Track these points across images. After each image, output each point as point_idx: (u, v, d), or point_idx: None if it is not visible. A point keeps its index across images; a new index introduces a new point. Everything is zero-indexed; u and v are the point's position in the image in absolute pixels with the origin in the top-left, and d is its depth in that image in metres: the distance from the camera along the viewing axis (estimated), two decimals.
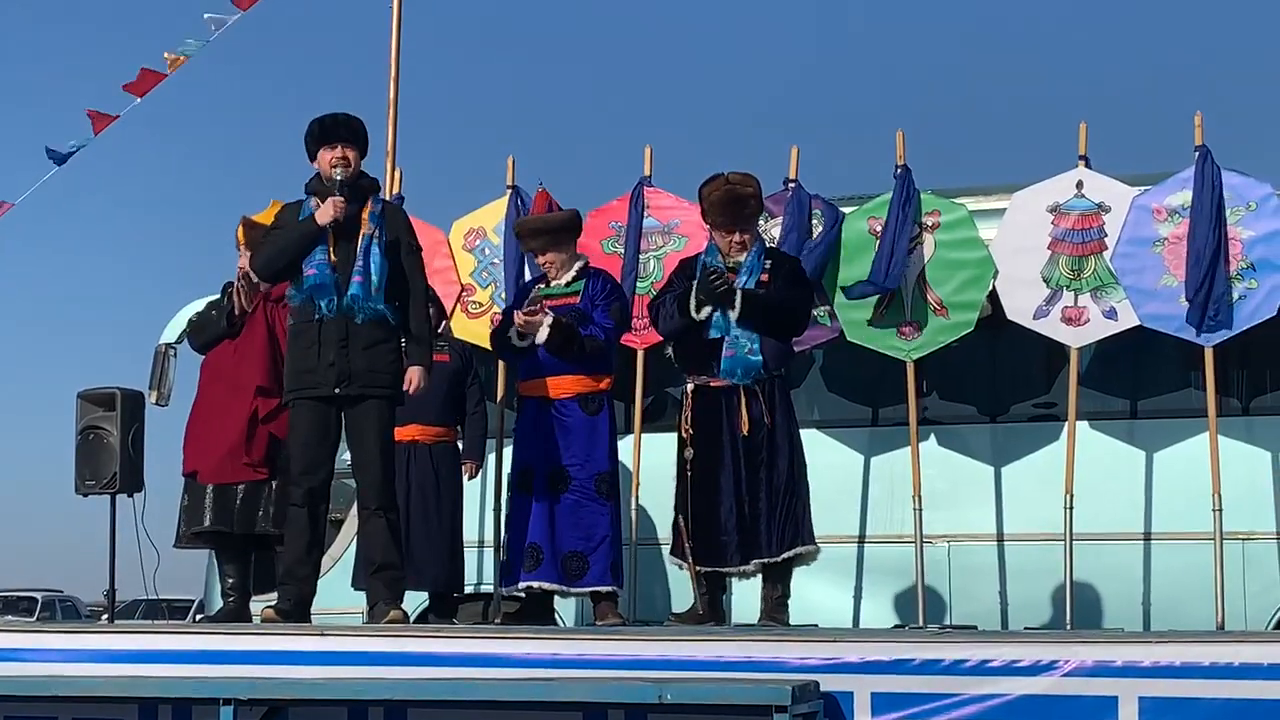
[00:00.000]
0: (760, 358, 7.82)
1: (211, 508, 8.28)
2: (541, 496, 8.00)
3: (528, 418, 8.15)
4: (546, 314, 7.96)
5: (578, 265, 8.24)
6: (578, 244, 8.43)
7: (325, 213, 7.50)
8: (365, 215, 7.55)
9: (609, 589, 8.01)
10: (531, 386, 8.13)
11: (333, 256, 7.50)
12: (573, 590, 8.08)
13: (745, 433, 7.79)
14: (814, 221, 9.27)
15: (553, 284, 8.20)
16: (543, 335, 7.96)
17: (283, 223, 7.70)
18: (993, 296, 9.05)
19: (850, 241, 9.21)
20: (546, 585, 8.01)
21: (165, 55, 11.08)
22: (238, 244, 8.45)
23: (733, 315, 7.79)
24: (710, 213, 8.06)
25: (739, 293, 7.79)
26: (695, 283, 7.88)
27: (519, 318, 8.00)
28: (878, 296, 9.06)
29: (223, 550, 8.59)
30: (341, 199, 7.50)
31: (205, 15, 11.14)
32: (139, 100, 10.98)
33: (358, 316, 7.48)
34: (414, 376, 7.60)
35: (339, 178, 7.55)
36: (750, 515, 7.80)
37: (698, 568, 7.87)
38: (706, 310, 7.85)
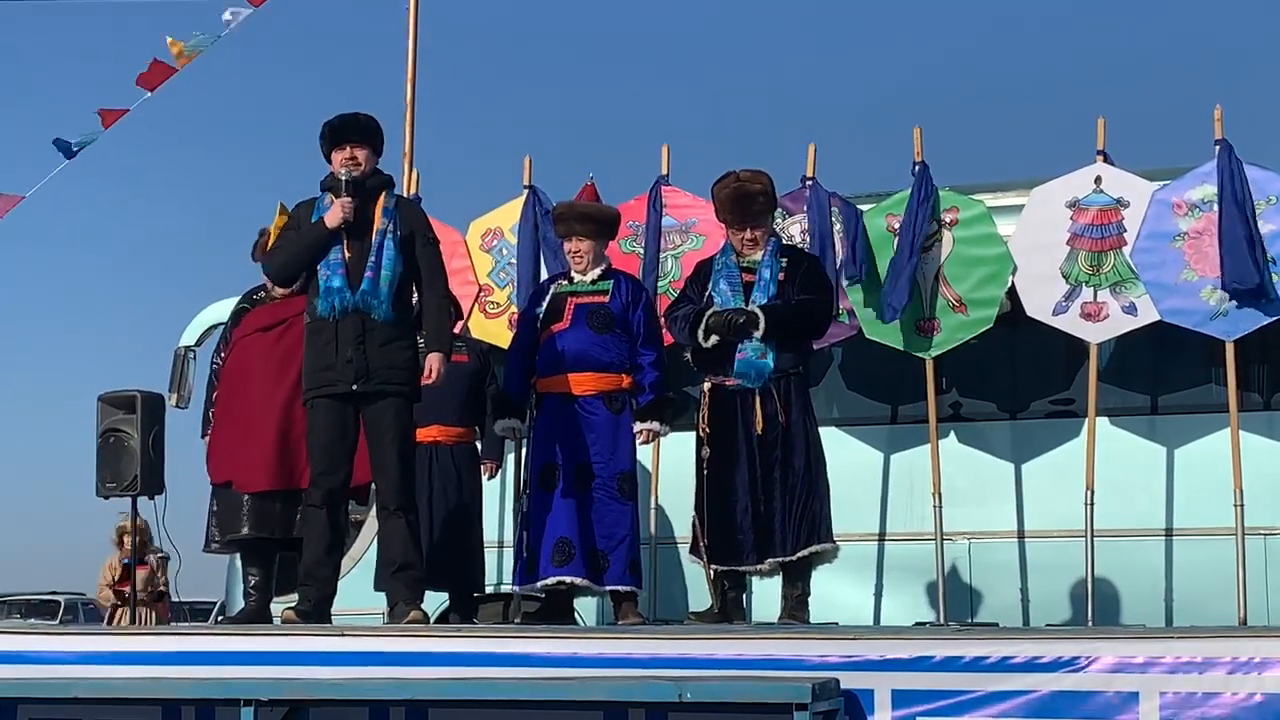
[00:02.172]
0: (771, 362, 7.82)
1: (249, 515, 8.24)
2: (567, 493, 7.95)
3: (549, 415, 8.09)
4: (652, 425, 8.02)
5: (603, 265, 8.24)
6: None
7: (334, 215, 7.51)
8: (379, 211, 7.55)
9: (628, 589, 8.00)
10: (552, 383, 8.08)
11: (347, 254, 7.50)
12: (597, 588, 8.07)
13: (760, 431, 7.79)
14: (832, 220, 9.26)
15: (577, 280, 8.17)
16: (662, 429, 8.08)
17: (299, 221, 7.70)
18: (1012, 293, 9.03)
19: (869, 240, 9.20)
20: (578, 580, 7.97)
21: (172, 48, 11.07)
22: (255, 257, 8.47)
23: (757, 335, 7.79)
24: (721, 210, 8.09)
25: (761, 317, 7.78)
26: (707, 316, 7.87)
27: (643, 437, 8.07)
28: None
29: (252, 552, 8.56)
30: (349, 199, 7.50)
31: (226, 13, 11.12)
32: (150, 95, 10.96)
33: (373, 313, 7.47)
34: (433, 364, 7.55)
35: (344, 177, 7.56)
36: (766, 514, 7.79)
37: (715, 566, 7.87)
38: (714, 339, 7.85)
